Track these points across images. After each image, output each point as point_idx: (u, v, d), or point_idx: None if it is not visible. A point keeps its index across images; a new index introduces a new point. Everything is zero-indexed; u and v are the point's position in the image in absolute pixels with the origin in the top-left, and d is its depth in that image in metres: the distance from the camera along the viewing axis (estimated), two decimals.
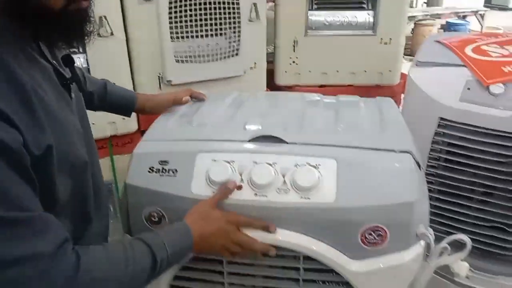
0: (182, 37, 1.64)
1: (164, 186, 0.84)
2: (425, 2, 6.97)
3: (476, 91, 1.23)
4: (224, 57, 1.73)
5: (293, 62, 1.92)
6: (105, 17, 1.50)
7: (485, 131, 1.21)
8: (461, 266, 0.88)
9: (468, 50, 1.33)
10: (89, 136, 0.85)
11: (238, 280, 0.90)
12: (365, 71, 1.93)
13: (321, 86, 1.98)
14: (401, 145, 0.88)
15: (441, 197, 1.37)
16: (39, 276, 0.58)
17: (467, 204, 1.33)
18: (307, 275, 0.86)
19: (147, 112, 1.12)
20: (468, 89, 1.24)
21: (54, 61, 0.74)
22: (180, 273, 0.90)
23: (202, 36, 1.66)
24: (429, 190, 1.36)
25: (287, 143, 0.89)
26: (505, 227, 1.30)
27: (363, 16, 1.89)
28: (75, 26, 0.67)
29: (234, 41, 1.72)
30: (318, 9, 1.89)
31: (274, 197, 0.81)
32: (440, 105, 1.26)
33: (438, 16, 5.70)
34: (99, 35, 1.52)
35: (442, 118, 1.27)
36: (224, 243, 0.79)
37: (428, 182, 1.36)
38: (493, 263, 1.36)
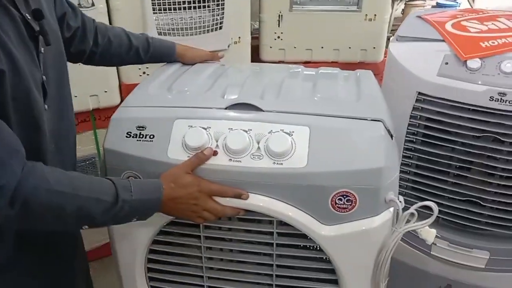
0: (165, 10, 1.62)
1: (141, 151, 0.85)
2: None
3: (454, 66, 1.24)
4: (208, 31, 1.72)
5: (278, 37, 1.91)
6: None
7: (462, 105, 1.23)
8: (428, 232, 0.91)
9: (448, 26, 1.33)
10: (64, 96, 0.87)
11: (215, 244, 0.93)
12: (350, 48, 1.93)
13: (306, 62, 1.97)
14: (374, 114, 0.89)
15: (419, 172, 1.39)
16: None
17: (444, 178, 1.35)
18: (281, 239, 0.89)
19: (186, 60, 1.18)
20: (446, 63, 1.25)
21: (26, 14, 0.75)
22: (159, 237, 0.92)
23: (185, 8, 1.65)
24: (407, 165, 1.39)
25: (263, 111, 0.90)
26: (479, 201, 1.33)
27: None
28: None
29: (218, 14, 1.71)
30: None
31: (248, 163, 0.82)
32: (419, 79, 1.27)
33: None
34: (79, 5, 1.51)
35: (420, 93, 1.28)
36: (194, 209, 0.81)
37: (406, 157, 1.39)
38: (468, 237, 1.39)
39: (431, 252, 1.44)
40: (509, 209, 1.29)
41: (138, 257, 0.93)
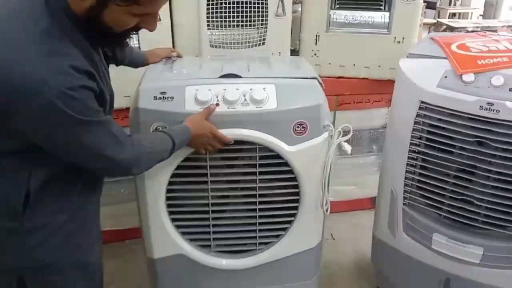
0: (217, 27, 1.95)
1: (166, 107, 1.26)
2: (481, 15, 6.89)
3: (452, 79, 1.43)
4: (253, 45, 2.02)
5: (315, 54, 2.18)
6: None
7: (458, 113, 1.42)
8: (347, 145, 1.38)
9: (454, 46, 1.53)
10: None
11: (217, 170, 1.36)
12: (379, 66, 2.14)
13: (339, 77, 2.22)
14: (310, 75, 1.41)
15: (423, 172, 1.57)
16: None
17: (444, 179, 1.53)
18: (262, 160, 1.32)
19: (153, 58, 1.56)
20: (445, 77, 1.45)
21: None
22: (176, 171, 1.32)
23: (234, 26, 1.97)
24: (413, 165, 1.59)
25: (243, 77, 1.37)
26: (473, 200, 1.49)
27: (379, 16, 2.11)
28: (122, 43, 1.02)
29: (262, 32, 2.01)
30: (339, 8, 2.13)
31: (240, 108, 1.27)
32: (421, 89, 1.48)
33: (489, 29, 5.65)
34: None
35: (422, 102, 1.48)
36: (206, 142, 1.24)
37: (412, 158, 1.59)
38: (465, 234, 1.54)
39: (432, 246, 1.60)
40: (502, 209, 1.44)
41: (162, 183, 1.33)
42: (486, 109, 1.35)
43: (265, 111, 1.27)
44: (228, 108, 1.26)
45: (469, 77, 1.40)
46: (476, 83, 1.39)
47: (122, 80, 1.72)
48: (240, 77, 1.37)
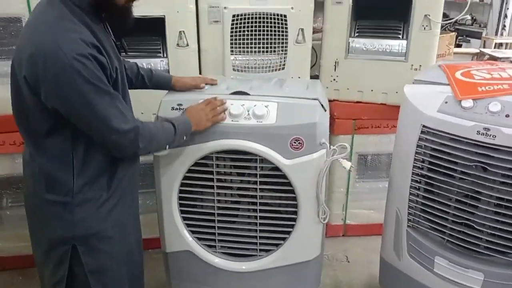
0: (240, 52, 2.10)
1: None
2: None
3: (451, 104, 1.48)
4: (273, 70, 2.15)
5: (334, 79, 2.28)
6: (183, 32, 2.03)
7: (457, 138, 1.46)
8: (345, 162, 1.46)
9: (458, 74, 1.58)
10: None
11: (224, 177, 1.53)
12: (397, 92, 2.20)
13: (357, 102, 2.30)
14: (313, 96, 1.52)
15: (426, 195, 1.61)
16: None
17: (447, 203, 1.56)
18: (262, 170, 1.46)
19: (178, 87, 1.62)
20: (446, 102, 1.50)
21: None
22: (187, 174, 1.50)
23: (256, 52, 2.11)
24: (416, 188, 1.63)
25: (250, 95, 1.52)
26: (475, 225, 1.50)
27: (397, 44, 2.18)
28: (126, 14, 1.22)
29: (282, 58, 2.14)
30: (358, 36, 2.23)
31: (243, 121, 1.43)
32: (422, 114, 1.53)
33: None
34: (178, 45, 2.06)
35: (424, 126, 1.54)
36: (206, 117, 1.40)
37: (415, 181, 1.63)
38: (466, 258, 1.54)
39: (434, 269, 1.61)
40: (504, 235, 1.45)
41: (175, 183, 1.50)
42: (483, 134, 1.39)
43: (264, 125, 1.41)
44: (232, 120, 1.43)
45: (468, 103, 1.45)
46: (474, 109, 1.43)
47: (151, 100, 1.92)
48: (248, 94, 1.52)
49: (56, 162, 1.18)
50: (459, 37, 6.34)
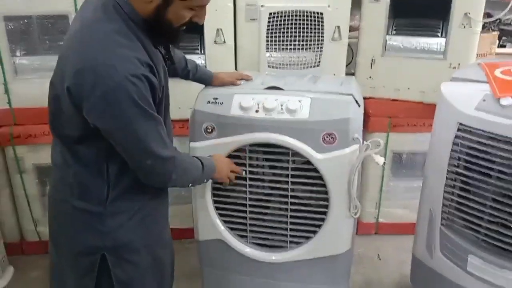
0: (275, 49, 2.13)
1: (216, 110, 1.51)
2: None
3: (490, 102, 1.46)
4: (308, 67, 2.17)
5: (370, 77, 2.27)
6: (221, 29, 2.08)
7: (495, 136, 1.44)
8: (378, 157, 1.46)
9: (497, 72, 1.55)
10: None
11: (256, 169, 1.56)
12: (434, 91, 2.16)
13: (393, 100, 2.28)
14: (347, 91, 1.53)
15: (461, 194, 1.59)
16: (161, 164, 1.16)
17: (483, 202, 1.53)
18: (294, 164, 1.48)
19: (217, 83, 1.65)
20: (484, 100, 1.48)
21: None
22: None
23: (291, 49, 2.14)
24: (451, 186, 1.61)
25: (284, 90, 1.55)
26: (509, 224, 1.47)
27: (435, 43, 2.15)
28: (177, 37, 1.19)
29: (317, 55, 2.16)
30: (395, 34, 2.22)
31: (276, 115, 1.46)
32: (459, 112, 1.51)
33: None
34: (215, 42, 2.12)
35: (460, 124, 1.52)
36: (225, 175, 1.44)
37: (450, 179, 1.61)
38: (502, 258, 1.52)
39: (467, 268, 1.59)
40: None
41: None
42: None
43: (297, 120, 1.44)
44: (266, 115, 1.46)
45: (507, 100, 1.42)
46: None
47: (189, 95, 1.98)
48: (282, 89, 1.55)
49: (90, 170, 1.15)
50: (503, 37, 6.11)
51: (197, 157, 1.33)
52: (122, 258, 1.23)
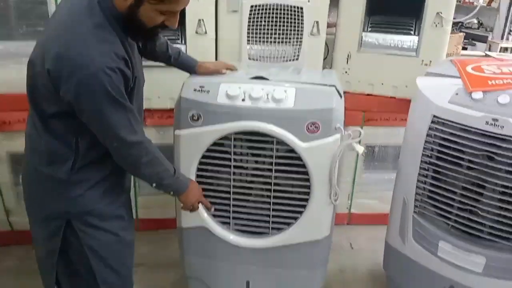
0: (256, 42, 2.17)
1: (202, 98, 1.51)
2: None
3: (462, 96, 1.55)
4: (287, 60, 2.21)
5: (346, 72, 2.34)
6: (202, 20, 2.10)
7: (466, 128, 1.53)
8: (358, 146, 1.53)
9: (469, 68, 1.65)
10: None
11: (240, 157, 1.59)
12: (406, 86, 2.27)
13: (367, 94, 2.36)
14: (331, 83, 1.58)
15: (433, 182, 1.68)
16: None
17: (454, 190, 1.63)
18: (278, 152, 1.52)
19: (201, 72, 1.66)
20: (457, 94, 1.57)
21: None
22: (210, 147, 1.56)
23: (271, 42, 2.18)
24: (424, 176, 1.70)
25: (269, 80, 1.58)
26: (480, 212, 1.57)
27: (409, 40, 2.25)
28: (151, 37, 1.27)
29: (296, 49, 2.21)
30: (371, 31, 2.30)
31: (262, 104, 1.49)
32: (434, 104, 1.60)
33: None
34: (196, 32, 2.13)
35: (434, 116, 1.61)
36: (190, 204, 1.48)
37: (423, 169, 1.70)
38: (470, 243, 1.62)
39: (437, 253, 1.69)
40: (507, 222, 1.52)
41: (194, 162, 1.57)
42: (492, 125, 1.46)
43: (282, 109, 1.47)
44: (252, 103, 1.49)
45: (478, 94, 1.52)
46: (484, 100, 1.50)
47: (169, 84, 1.99)
48: (268, 80, 1.58)
49: (60, 142, 1.24)
50: (465, 40, 6.39)
51: (173, 166, 1.40)
52: (88, 224, 1.31)
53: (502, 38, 6.78)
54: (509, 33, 6.79)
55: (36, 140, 1.27)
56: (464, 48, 6.24)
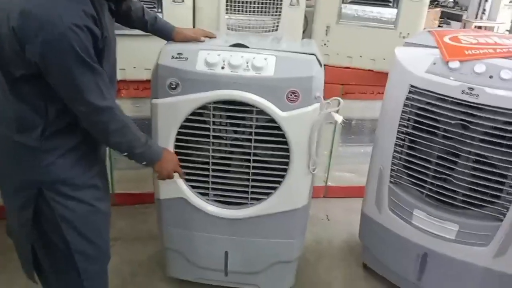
0: (235, 11, 2.13)
1: (180, 65, 1.45)
2: (507, 30, 6.87)
3: (439, 66, 1.57)
4: (267, 31, 2.19)
5: (325, 44, 2.33)
6: None
7: (443, 97, 1.55)
8: (337, 116, 1.50)
9: (446, 38, 1.66)
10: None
11: (219, 127, 1.55)
12: (384, 59, 2.27)
13: (346, 67, 2.36)
14: (310, 51, 1.56)
15: (409, 152, 1.70)
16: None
17: (429, 159, 1.66)
18: (258, 121, 1.51)
19: (179, 39, 1.60)
20: (434, 63, 1.58)
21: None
22: (189, 117, 1.52)
23: (250, 12, 2.14)
24: (400, 146, 1.72)
25: (249, 47, 1.55)
26: (454, 180, 1.61)
27: (388, 12, 2.25)
28: None
29: (275, 19, 2.18)
30: (350, 3, 2.28)
31: (242, 72, 1.46)
32: (411, 74, 1.61)
33: None
34: (173, 1, 2.07)
35: (412, 85, 1.62)
36: (167, 172, 1.44)
37: (400, 139, 1.72)
38: (443, 211, 1.66)
39: (412, 221, 1.73)
40: (480, 189, 1.56)
41: (172, 132, 1.53)
42: (467, 94, 1.49)
43: (262, 77, 1.45)
44: (231, 71, 1.45)
45: (454, 64, 1.53)
46: (460, 70, 1.52)
47: (145, 54, 1.92)
48: (246, 47, 1.55)
49: (29, 107, 1.19)
50: (440, 19, 6.46)
51: (145, 135, 1.34)
52: (61, 193, 1.27)
53: (476, 17, 6.88)
54: (483, 12, 6.89)
55: (5, 105, 1.21)
56: (439, 27, 6.32)
